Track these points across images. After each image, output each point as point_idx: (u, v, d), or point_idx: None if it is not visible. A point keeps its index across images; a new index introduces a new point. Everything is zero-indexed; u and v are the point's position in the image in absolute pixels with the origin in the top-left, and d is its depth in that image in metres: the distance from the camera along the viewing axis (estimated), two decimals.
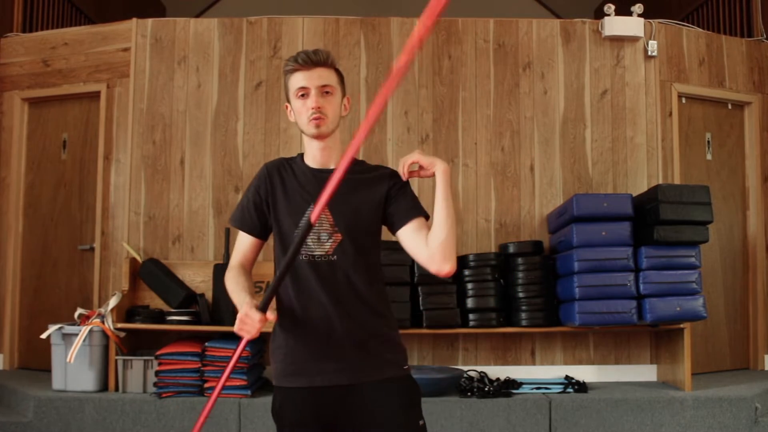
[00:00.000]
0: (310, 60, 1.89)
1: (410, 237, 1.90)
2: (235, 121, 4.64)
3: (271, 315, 1.78)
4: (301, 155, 2.03)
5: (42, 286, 4.86)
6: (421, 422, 1.90)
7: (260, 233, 1.99)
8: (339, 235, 1.88)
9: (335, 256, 1.87)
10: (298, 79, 1.91)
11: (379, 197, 1.94)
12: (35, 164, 4.97)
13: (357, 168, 1.99)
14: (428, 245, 1.85)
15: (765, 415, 3.96)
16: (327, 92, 1.91)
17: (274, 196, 1.96)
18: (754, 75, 5.05)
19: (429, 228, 1.89)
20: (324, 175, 1.93)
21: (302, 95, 1.91)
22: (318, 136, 1.92)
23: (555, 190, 4.61)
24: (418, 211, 1.93)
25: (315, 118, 1.89)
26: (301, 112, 1.92)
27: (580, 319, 3.91)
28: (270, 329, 1.98)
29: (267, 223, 1.97)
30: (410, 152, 2.00)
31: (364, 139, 1.60)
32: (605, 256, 3.94)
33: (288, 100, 1.97)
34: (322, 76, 1.90)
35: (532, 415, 3.84)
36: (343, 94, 1.98)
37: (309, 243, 1.88)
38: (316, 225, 1.86)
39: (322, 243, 1.88)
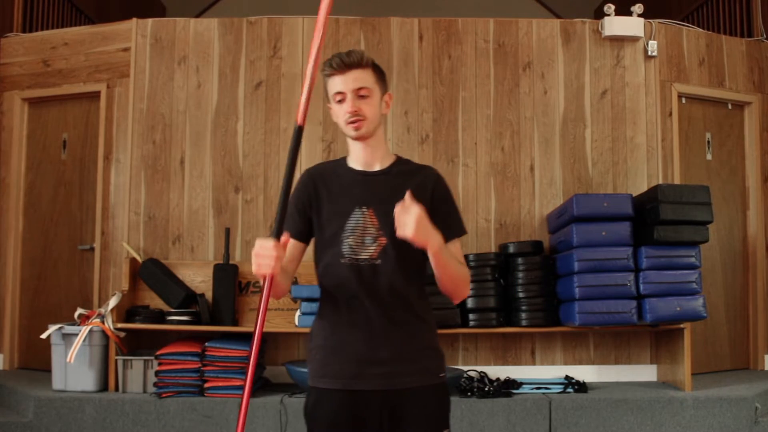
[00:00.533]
0: (344, 63, 1.87)
1: None
2: (235, 121, 4.64)
3: (285, 237, 1.73)
4: (345, 158, 2.01)
5: (42, 286, 4.86)
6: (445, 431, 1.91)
7: (301, 235, 1.95)
8: (384, 238, 1.86)
9: (379, 260, 1.85)
10: (335, 84, 1.89)
11: (425, 201, 1.89)
12: (35, 164, 4.97)
13: (402, 168, 1.97)
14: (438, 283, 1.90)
15: (765, 415, 3.96)
16: (363, 95, 1.88)
17: (318, 201, 1.94)
18: (754, 75, 5.05)
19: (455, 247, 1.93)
20: (369, 177, 1.93)
21: (339, 100, 1.90)
22: (358, 138, 1.91)
23: (555, 190, 4.61)
24: (452, 232, 1.93)
25: (352, 122, 1.88)
26: (339, 115, 1.91)
27: (580, 319, 3.90)
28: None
29: (311, 225, 1.95)
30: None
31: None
32: (605, 256, 3.94)
33: (329, 102, 1.96)
34: (357, 78, 1.88)
35: (532, 415, 3.84)
36: (383, 92, 1.95)
37: (352, 246, 1.87)
38: (360, 228, 1.86)
39: (366, 246, 1.86)
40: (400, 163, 1.99)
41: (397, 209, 1.74)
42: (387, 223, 1.85)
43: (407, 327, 1.89)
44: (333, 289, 1.90)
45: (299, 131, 1.75)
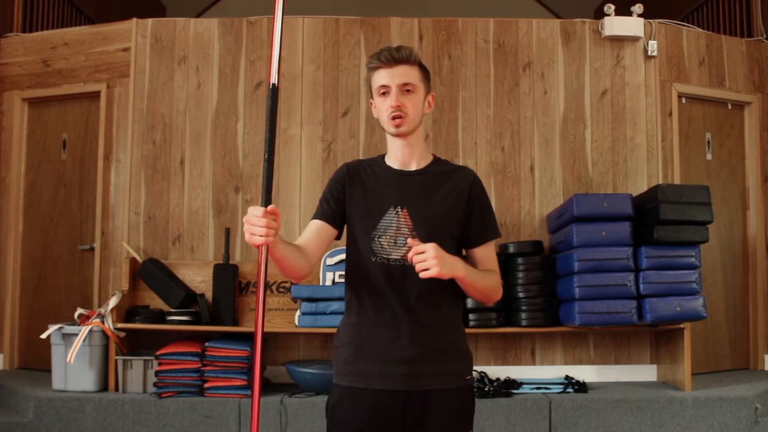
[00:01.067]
0: (393, 57, 1.87)
1: (471, 262, 1.91)
2: (235, 121, 4.64)
3: (272, 206, 1.66)
4: (382, 156, 2.00)
5: (42, 286, 4.86)
6: None
7: (330, 218, 1.92)
8: (418, 240, 1.82)
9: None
10: (380, 77, 1.89)
11: (461, 203, 1.90)
12: (35, 164, 4.97)
13: (439, 168, 1.96)
14: None
15: (765, 415, 3.96)
16: (408, 90, 1.88)
17: (351, 196, 1.93)
18: (754, 75, 5.05)
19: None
20: (406, 176, 1.92)
21: (383, 93, 1.89)
22: (399, 135, 1.90)
23: (555, 190, 4.61)
24: (487, 235, 1.94)
25: (395, 117, 1.87)
26: (381, 109, 1.90)
27: (580, 319, 3.90)
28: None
29: (342, 214, 1.93)
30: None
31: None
32: (605, 256, 3.94)
33: (372, 97, 1.95)
34: (404, 73, 1.88)
35: (532, 415, 3.84)
36: (427, 91, 1.95)
37: (384, 245, 1.86)
38: (394, 228, 1.85)
39: (398, 247, 1.85)
40: (437, 163, 1.98)
41: (411, 255, 1.72)
42: (421, 224, 1.85)
43: (435, 328, 1.88)
44: (361, 287, 1.89)
45: (274, 90, 1.72)
